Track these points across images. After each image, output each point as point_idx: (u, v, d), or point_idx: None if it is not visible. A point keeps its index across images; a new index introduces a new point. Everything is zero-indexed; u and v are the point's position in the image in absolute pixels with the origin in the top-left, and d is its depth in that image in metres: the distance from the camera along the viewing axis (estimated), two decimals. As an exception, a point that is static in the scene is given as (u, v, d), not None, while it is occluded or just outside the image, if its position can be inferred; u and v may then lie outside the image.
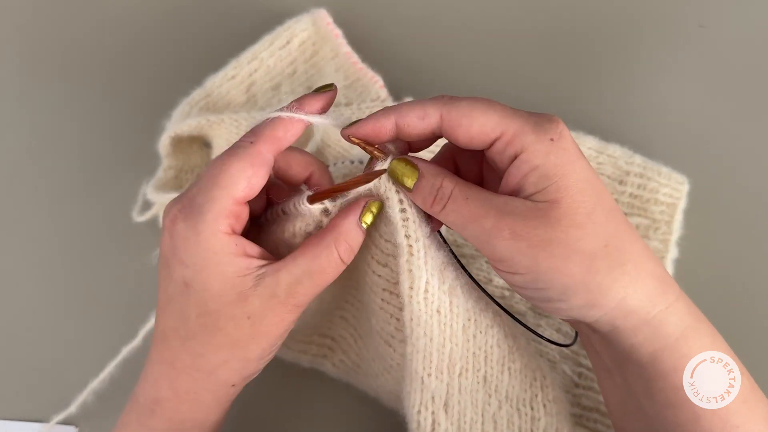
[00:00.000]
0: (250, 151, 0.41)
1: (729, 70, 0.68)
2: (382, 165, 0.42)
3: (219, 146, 0.62)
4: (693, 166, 0.61)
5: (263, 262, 0.42)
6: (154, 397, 0.44)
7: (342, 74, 0.65)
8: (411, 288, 0.42)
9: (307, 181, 0.46)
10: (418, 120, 0.40)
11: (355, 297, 0.53)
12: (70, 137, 0.70)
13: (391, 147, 0.43)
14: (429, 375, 0.44)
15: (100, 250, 0.66)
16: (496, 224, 0.38)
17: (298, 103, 0.43)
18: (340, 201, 0.43)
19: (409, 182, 0.41)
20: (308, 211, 0.43)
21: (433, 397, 0.45)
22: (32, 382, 0.62)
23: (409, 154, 0.43)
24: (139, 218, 0.64)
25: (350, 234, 0.41)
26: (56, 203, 0.68)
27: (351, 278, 0.51)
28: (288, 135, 0.42)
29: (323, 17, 0.67)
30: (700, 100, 0.67)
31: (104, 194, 0.68)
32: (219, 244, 0.40)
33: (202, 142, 0.67)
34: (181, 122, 0.62)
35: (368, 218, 0.42)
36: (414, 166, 0.41)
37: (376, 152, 0.42)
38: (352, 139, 0.42)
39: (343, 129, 0.42)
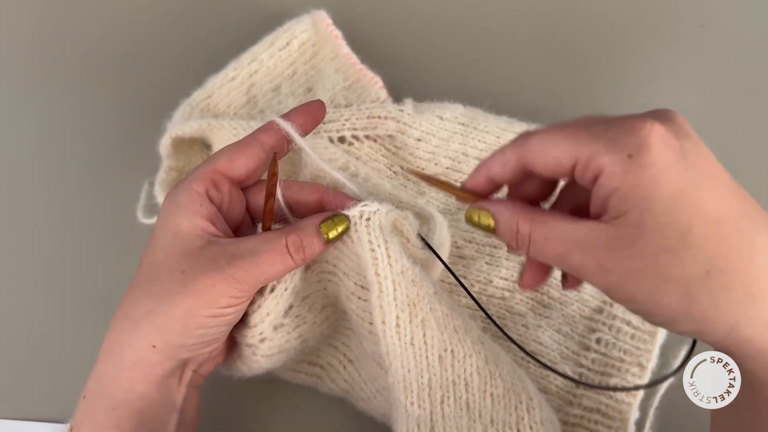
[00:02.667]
0: (242, 136, 0.48)
1: (729, 70, 0.70)
2: (351, 210, 0.46)
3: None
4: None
5: (222, 234, 0.45)
6: (98, 357, 0.46)
7: (342, 75, 0.66)
8: (383, 323, 0.45)
9: (322, 208, 0.48)
10: (501, 168, 0.41)
11: (343, 325, 0.56)
12: (70, 137, 0.72)
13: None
14: (412, 404, 0.47)
15: (102, 250, 0.68)
16: (581, 261, 0.37)
17: (289, 114, 0.49)
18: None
19: (492, 225, 0.42)
20: None
21: (418, 425, 0.47)
22: (33, 382, 0.64)
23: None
24: (146, 220, 0.65)
25: (304, 231, 0.44)
26: (58, 202, 0.70)
27: (338, 306, 0.54)
28: (278, 129, 0.48)
29: (323, 18, 0.68)
30: (700, 100, 0.69)
31: (106, 193, 0.69)
32: (185, 198, 0.45)
33: (203, 144, 0.68)
34: (182, 123, 0.63)
35: (330, 230, 0.44)
36: (488, 211, 0.42)
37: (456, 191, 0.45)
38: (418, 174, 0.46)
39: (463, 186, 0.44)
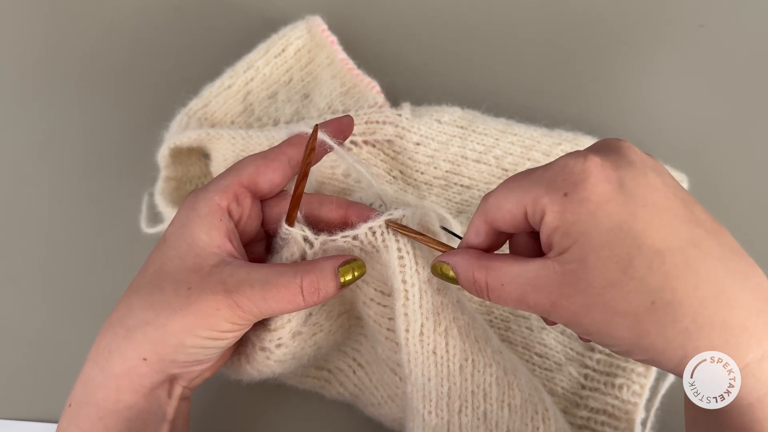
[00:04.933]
0: (266, 150, 0.47)
1: (729, 69, 0.72)
2: (376, 220, 0.46)
3: (217, 159, 0.65)
4: (692, 165, 0.64)
5: (237, 255, 0.45)
6: (86, 358, 0.45)
7: (338, 81, 0.67)
8: (407, 331, 0.46)
9: (345, 224, 0.48)
10: (476, 237, 0.43)
11: (355, 331, 0.57)
12: (68, 145, 0.73)
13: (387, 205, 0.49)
14: (429, 413, 0.47)
15: (101, 254, 0.69)
16: (536, 301, 0.38)
17: (323, 124, 0.48)
18: (323, 236, 0.46)
19: (454, 276, 0.44)
20: (290, 236, 0.47)
21: None
22: (33, 383, 0.65)
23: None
24: (150, 230, 0.67)
25: (321, 273, 0.44)
26: (57, 209, 0.71)
27: (352, 312, 0.55)
28: (304, 142, 0.47)
29: (318, 24, 0.69)
30: (700, 100, 0.70)
31: (104, 200, 0.71)
32: (206, 210, 0.44)
33: (201, 153, 0.69)
34: (180, 133, 0.64)
35: (347, 274, 0.44)
36: (448, 264, 0.44)
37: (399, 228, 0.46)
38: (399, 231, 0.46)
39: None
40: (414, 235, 0.46)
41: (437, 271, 0.44)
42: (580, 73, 0.72)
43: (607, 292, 0.36)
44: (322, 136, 0.47)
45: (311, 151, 0.46)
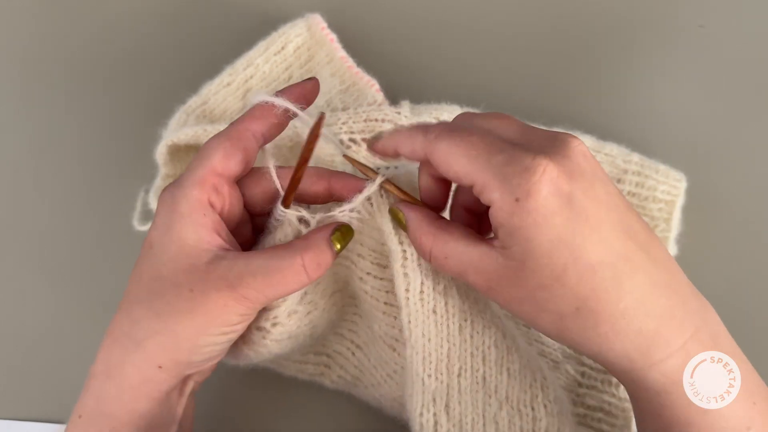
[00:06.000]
0: (228, 128, 0.46)
1: (728, 70, 0.72)
2: (371, 185, 0.46)
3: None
4: (691, 164, 0.64)
5: (229, 247, 0.45)
6: (90, 372, 0.45)
7: (338, 79, 0.68)
8: (407, 290, 0.46)
9: (330, 195, 0.48)
10: (410, 154, 0.44)
11: (349, 311, 0.57)
12: (65, 144, 0.74)
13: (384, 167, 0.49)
14: (429, 376, 0.48)
15: (101, 252, 0.69)
16: (474, 280, 0.42)
17: (281, 92, 0.47)
18: (320, 214, 0.47)
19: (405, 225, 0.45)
20: (286, 218, 0.47)
21: (434, 399, 0.48)
22: (33, 382, 0.66)
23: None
24: (142, 227, 0.67)
25: (318, 247, 0.44)
26: (56, 207, 0.72)
27: (345, 291, 0.55)
28: (267, 113, 0.46)
29: (318, 22, 0.70)
30: (699, 99, 0.71)
31: (103, 198, 0.71)
32: (187, 208, 0.43)
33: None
34: (178, 131, 0.64)
35: (338, 238, 0.45)
36: (404, 215, 0.45)
37: (367, 172, 0.47)
38: (351, 160, 0.48)
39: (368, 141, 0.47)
40: (402, 195, 0.46)
41: (394, 214, 0.46)
42: (579, 73, 0.73)
43: (538, 292, 0.39)
44: (284, 103, 0.46)
45: (315, 137, 0.44)
